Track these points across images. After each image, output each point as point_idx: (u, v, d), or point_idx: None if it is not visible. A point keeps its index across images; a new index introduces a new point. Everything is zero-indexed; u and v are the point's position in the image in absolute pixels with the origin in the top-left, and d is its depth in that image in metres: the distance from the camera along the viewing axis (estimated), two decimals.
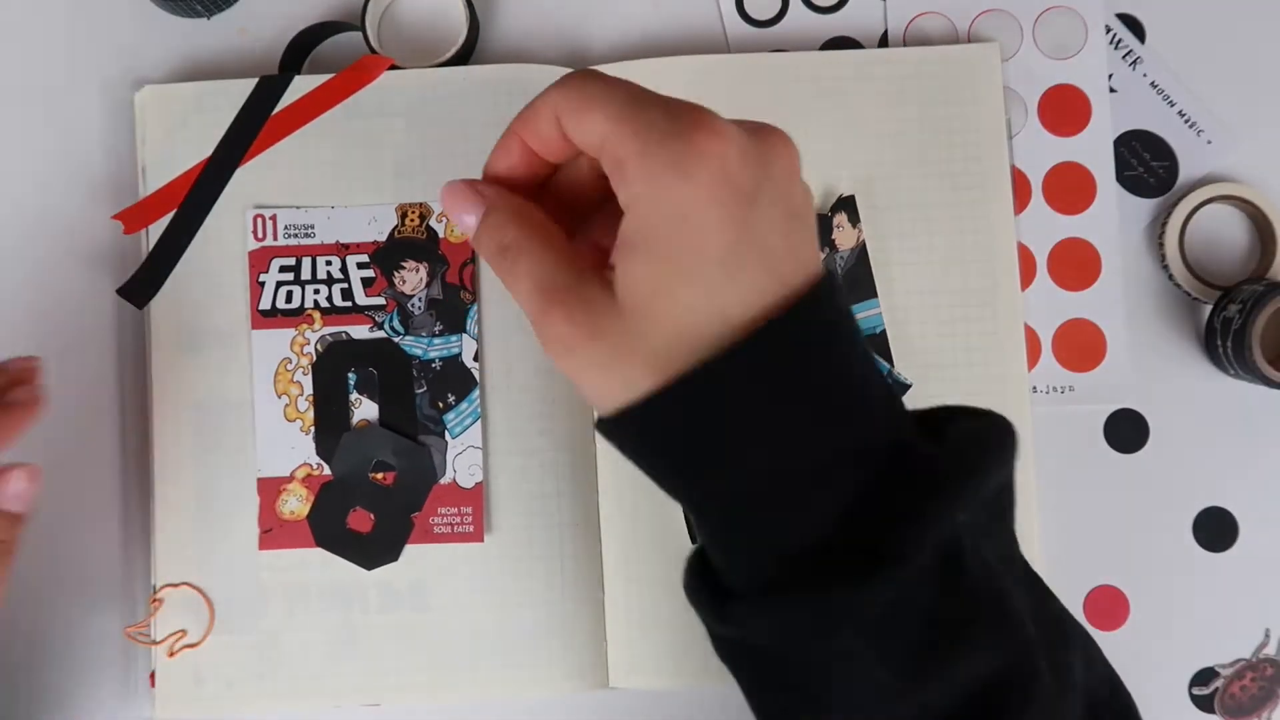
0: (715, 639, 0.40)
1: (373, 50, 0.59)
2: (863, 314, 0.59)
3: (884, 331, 0.59)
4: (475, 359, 0.58)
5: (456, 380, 0.58)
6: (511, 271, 0.38)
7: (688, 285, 0.35)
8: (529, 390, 0.58)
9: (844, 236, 0.59)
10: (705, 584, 0.39)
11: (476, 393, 0.58)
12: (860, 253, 0.59)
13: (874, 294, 0.59)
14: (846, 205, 0.59)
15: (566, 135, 0.39)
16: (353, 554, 0.57)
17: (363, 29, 0.59)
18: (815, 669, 0.38)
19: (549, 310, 0.37)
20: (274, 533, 0.57)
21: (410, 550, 0.57)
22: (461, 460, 0.57)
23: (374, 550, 0.57)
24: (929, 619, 0.36)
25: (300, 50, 0.61)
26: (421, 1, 0.61)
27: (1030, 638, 0.38)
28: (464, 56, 0.60)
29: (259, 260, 0.58)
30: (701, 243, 0.35)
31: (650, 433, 0.37)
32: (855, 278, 0.59)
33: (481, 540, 0.57)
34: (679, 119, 0.37)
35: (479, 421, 0.57)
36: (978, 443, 0.39)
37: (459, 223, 0.40)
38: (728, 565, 0.39)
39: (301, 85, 0.58)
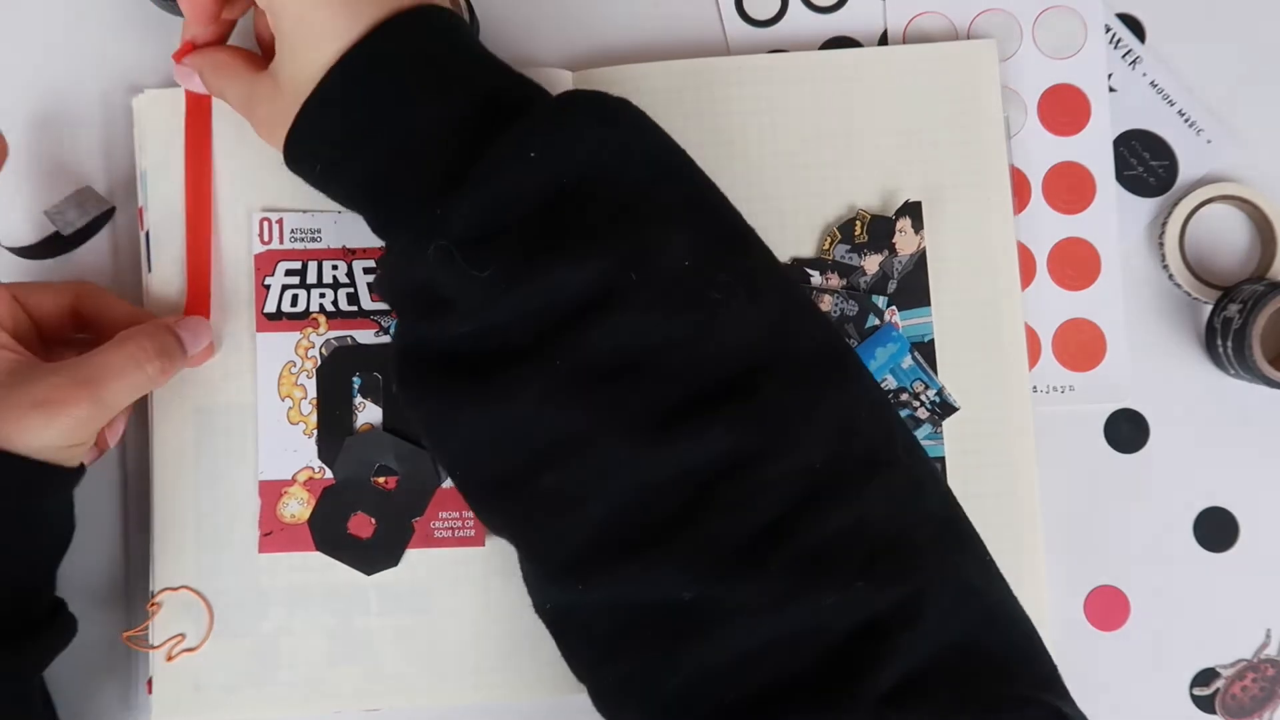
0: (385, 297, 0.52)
1: None
2: (911, 321, 0.58)
3: (932, 340, 0.58)
4: None
5: None
6: (223, 97, 0.53)
7: (309, 53, 0.47)
8: None
9: (905, 241, 0.59)
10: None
11: None
12: (920, 259, 0.59)
13: (927, 302, 0.58)
14: (912, 210, 0.59)
15: None
16: (353, 559, 0.57)
17: None
18: (424, 291, 0.46)
19: (250, 110, 0.51)
20: (274, 536, 0.57)
21: (410, 553, 0.57)
22: None
23: (374, 555, 0.57)
24: (521, 234, 0.44)
25: None
26: None
27: (643, 261, 0.44)
28: None
29: (265, 263, 0.58)
30: (312, 23, 0.46)
31: (299, 158, 0.49)
32: (911, 284, 0.58)
33: (482, 545, 0.57)
34: None
35: None
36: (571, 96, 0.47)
37: (195, 87, 0.55)
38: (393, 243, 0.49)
39: None
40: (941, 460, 0.58)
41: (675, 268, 0.45)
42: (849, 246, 0.58)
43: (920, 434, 0.58)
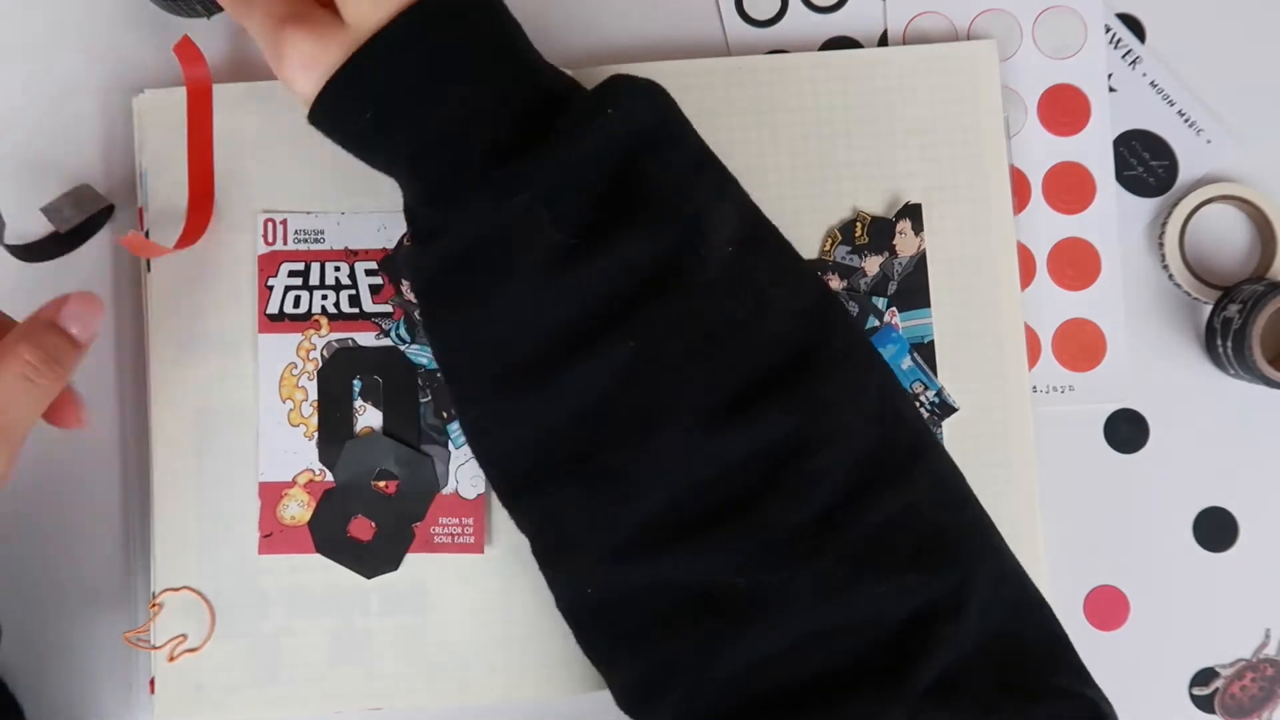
0: (424, 285, 0.48)
1: None
2: (911, 322, 0.58)
3: (932, 342, 0.58)
4: None
5: None
6: (249, 15, 0.46)
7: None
8: None
9: (905, 243, 0.59)
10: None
11: None
12: (920, 261, 0.59)
13: (927, 303, 0.58)
14: (912, 213, 0.59)
15: None
16: (353, 561, 0.57)
17: None
18: (496, 244, 0.45)
19: (281, 39, 0.45)
20: (274, 538, 0.57)
21: (410, 558, 0.57)
22: (464, 471, 0.57)
23: (374, 558, 0.57)
24: (598, 201, 0.44)
25: None
26: None
27: (702, 240, 0.45)
28: None
29: (268, 264, 0.58)
30: None
31: (354, 86, 0.45)
32: (911, 286, 0.58)
33: (481, 551, 0.57)
34: None
35: None
36: (628, 85, 0.46)
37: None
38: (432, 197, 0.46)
39: None
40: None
41: (724, 251, 0.45)
42: (849, 248, 0.59)
43: None
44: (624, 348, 0.44)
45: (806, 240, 0.59)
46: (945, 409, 0.58)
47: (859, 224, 0.58)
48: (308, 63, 0.45)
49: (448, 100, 0.45)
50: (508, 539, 0.57)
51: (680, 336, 0.44)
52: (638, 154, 0.45)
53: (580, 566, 0.47)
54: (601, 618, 0.48)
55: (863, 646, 0.43)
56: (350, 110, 0.45)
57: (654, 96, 0.47)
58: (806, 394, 0.44)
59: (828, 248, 0.58)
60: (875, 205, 0.59)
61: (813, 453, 0.44)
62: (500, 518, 0.57)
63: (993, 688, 0.43)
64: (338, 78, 0.44)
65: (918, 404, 0.58)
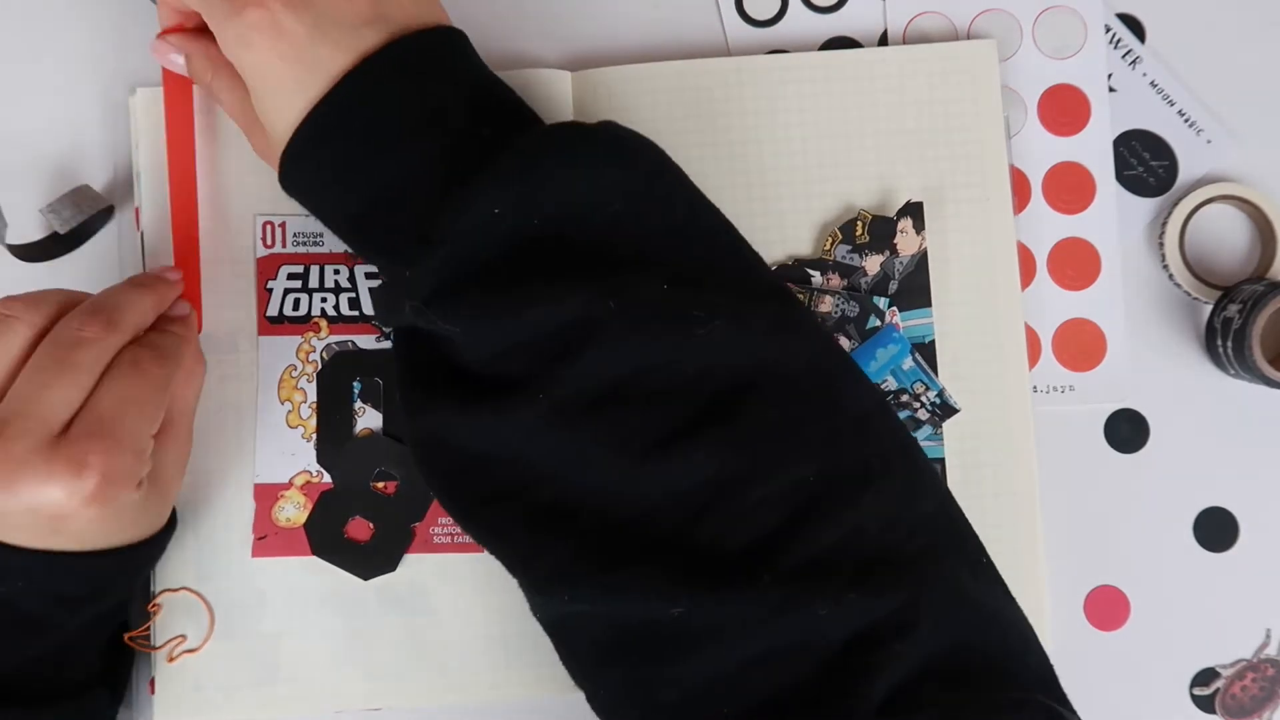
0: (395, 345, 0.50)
1: None
2: (912, 322, 0.58)
3: (933, 341, 0.58)
4: None
5: None
6: (217, 99, 0.53)
7: (280, 105, 0.46)
8: None
9: (906, 242, 0.59)
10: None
11: None
12: (921, 260, 0.58)
13: (928, 303, 0.58)
14: (913, 211, 0.59)
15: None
16: (350, 563, 0.57)
17: None
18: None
19: (248, 127, 0.52)
20: (269, 540, 0.57)
21: (409, 558, 0.57)
22: None
23: (372, 559, 0.57)
24: (495, 279, 0.45)
25: None
26: None
27: (623, 292, 0.45)
28: None
29: (267, 266, 0.58)
30: (277, 80, 0.46)
31: (296, 173, 0.48)
32: (912, 285, 0.58)
33: (482, 550, 0.57)
34: None
35: None
36: (544, 136, 0.47)
37: (171, 64, 0.55)
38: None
39: None
40: (941, 461, 0.58)
41: (654, 295, 0.45)
42: (850, 247, 0.58)
43: (920, 435, 0.58)
44: (542, 393, 0.45)
45: (806, 239, 0.59)
46: (946, 410, 0.58)
47: (859, 223, 0.58)
48: (261, 153, 0.52)
49: (350, 201, 0.47)
50: None
51: (598, 382, 0.45)
52: (553, 221, 0.45)
53: (525, 591, 0.48)
54: (554, 637, 0.49)
55: (808, 669, 0.43)
56: (297, 201, 0.50)
57: (578, 154, 0.46)
58: (737, 432, 0.44)
59: (828, 247, 0.58)
60: (875, 204, 0.59)
61: (744, 487, 0.44)
62: None
63: (948, 703, 0.43)
64: (279, 176, 0.48)
65: (918, 405, 0.58)
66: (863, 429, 0.47)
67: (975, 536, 0.48)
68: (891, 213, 0.59)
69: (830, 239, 0.59)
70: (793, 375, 0.46)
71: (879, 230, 0.59)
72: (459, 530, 0.57)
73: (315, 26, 0.45)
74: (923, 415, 0.58)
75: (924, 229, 0.59)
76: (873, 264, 0.59)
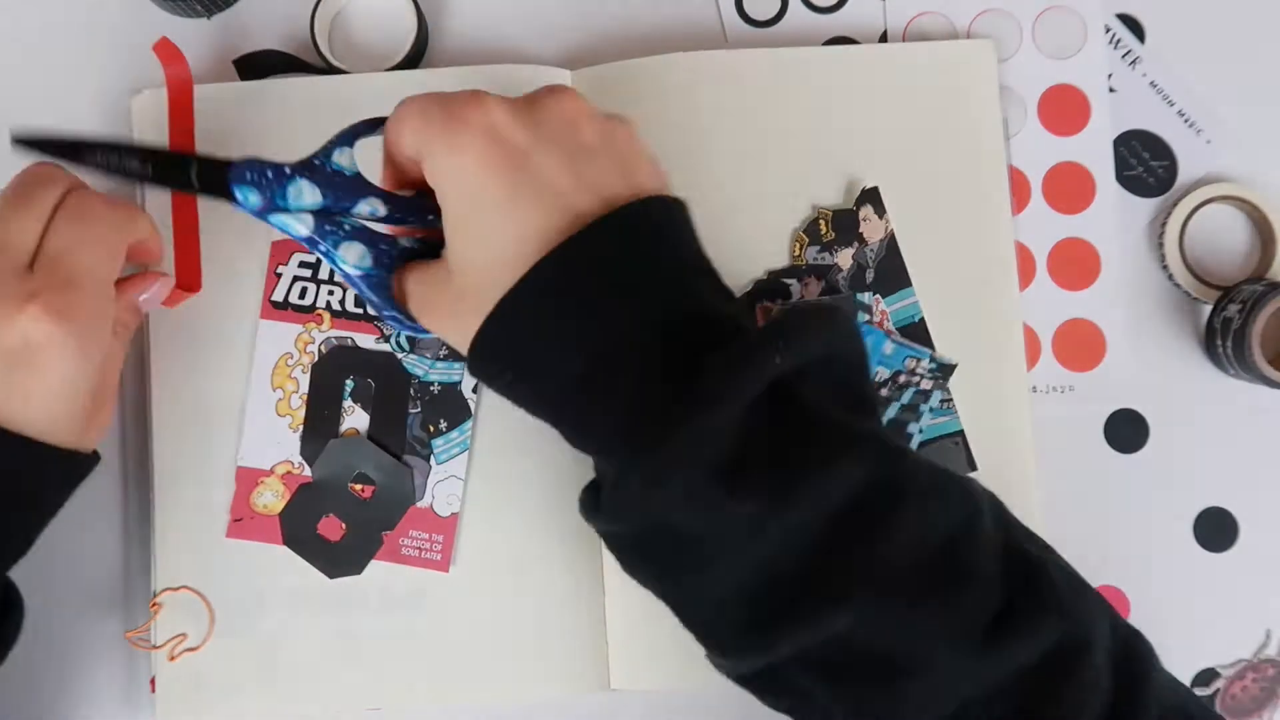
0: (607, 540, 0.46)
1: (324, 59, 0.59)
2: (897, 305, 0.58)
3: (922, 320, 0.58)
4: (474, 391, 0.57)
5: (451, 407, 0.57)
6: (402, 286, 0.48)
7: (480, 240, 0.43)
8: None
9: (871, 229, 0.58)
10: (590, 497, 0.45)
11: (469, 424, 0.57)
12: (890, 244, 0.58)
13: (908, 284, 0.58)
14: (871, 198, 0.58)
15: (402, 156, 0.45)
16: (317, 559, 0.57)
17: (312, 36, 0.59)
18: (682, 532, 0.42)
19: (424, 299, 0.46)
20: (244, 523, 0.57)
21: (374, 565, 0.57)
22: (442, 488, 0.57)
23: (339, 559, 0.57)
24: (767, 446, 0.40)
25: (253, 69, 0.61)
26: (374, 6, 0.61)
27: (883, 448, 0.42)
28: (413, 60, 0.59)
29: (280, 252, 0.58)
30: (480, 200, 0.42)
31: (487, 360, 0.43)
32: (887, 269, 0.58)
33: (447, 570, 0.57)
34: (451, 104, 0.43)
35: (466, 453, 0.57)
36: (793, 311, 0.43)
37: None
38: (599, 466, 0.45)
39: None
40: (960, 434, 0.58)
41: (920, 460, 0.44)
42: (819, 247, 0.58)
43: (931, 403, 0.58)
44: (855, 590, 0.41)
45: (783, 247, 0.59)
46: (945, 369, 0.58)
47: (822, 220, 0.58)
48: (443, 321, 0.46)
49: (579, 355, 0.42)
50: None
51: (910, 554, 0.41)
52: (812, 382, 0.42)
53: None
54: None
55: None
56: (491, 370, 0.44)
57: (822, 320, 0.43)
58: (1055, 603, 0.43)
59: (798, 251, 0.58)
60: (842, 202, 0.59)
61: (1081, 658, 0.42)
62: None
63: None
64: (478, 339, 0.43)
65: (917, 377, 0.57)
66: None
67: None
68: (851, 204, 0.58)
69: (798, 243, 0.58)
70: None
71: (842, 223, 0.58)
72: (428, 546, 0.57)
73: (531, 143, 0.42)
74: (926, 384, 0.58)
75: (885, 212, 0.59)
76: (845, 258, 0.58)
